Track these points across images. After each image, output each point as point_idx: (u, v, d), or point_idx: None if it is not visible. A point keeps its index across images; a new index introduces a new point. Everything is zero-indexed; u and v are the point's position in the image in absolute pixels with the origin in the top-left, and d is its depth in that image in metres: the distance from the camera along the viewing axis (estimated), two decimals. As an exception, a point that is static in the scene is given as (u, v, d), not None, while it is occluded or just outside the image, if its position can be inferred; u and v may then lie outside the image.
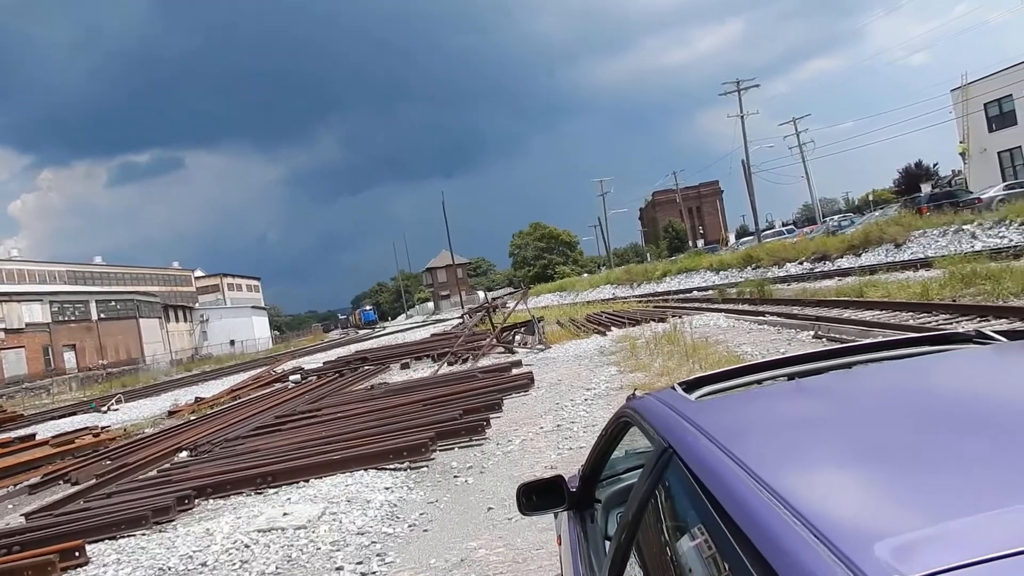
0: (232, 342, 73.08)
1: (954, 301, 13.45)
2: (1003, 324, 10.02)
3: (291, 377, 23.42)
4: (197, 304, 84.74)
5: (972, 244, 21.88)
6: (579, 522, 2.85)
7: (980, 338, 2.03)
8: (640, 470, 2.00)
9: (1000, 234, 21.90)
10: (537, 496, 2.90)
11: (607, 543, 2.37)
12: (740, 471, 1.25)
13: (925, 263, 20.51)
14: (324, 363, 25.80)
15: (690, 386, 2.15)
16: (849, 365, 2.11)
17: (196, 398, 23.47)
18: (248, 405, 17.74)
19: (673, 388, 2.17)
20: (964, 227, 23.72)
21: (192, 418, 17.83)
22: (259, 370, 31.82)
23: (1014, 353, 1.84)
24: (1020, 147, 39.30)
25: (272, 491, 8.07)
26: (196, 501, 8.14)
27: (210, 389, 27.04)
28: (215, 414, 17.35)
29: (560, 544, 3.14)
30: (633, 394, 2.76)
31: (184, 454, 12.04)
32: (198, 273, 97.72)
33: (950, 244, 22.97)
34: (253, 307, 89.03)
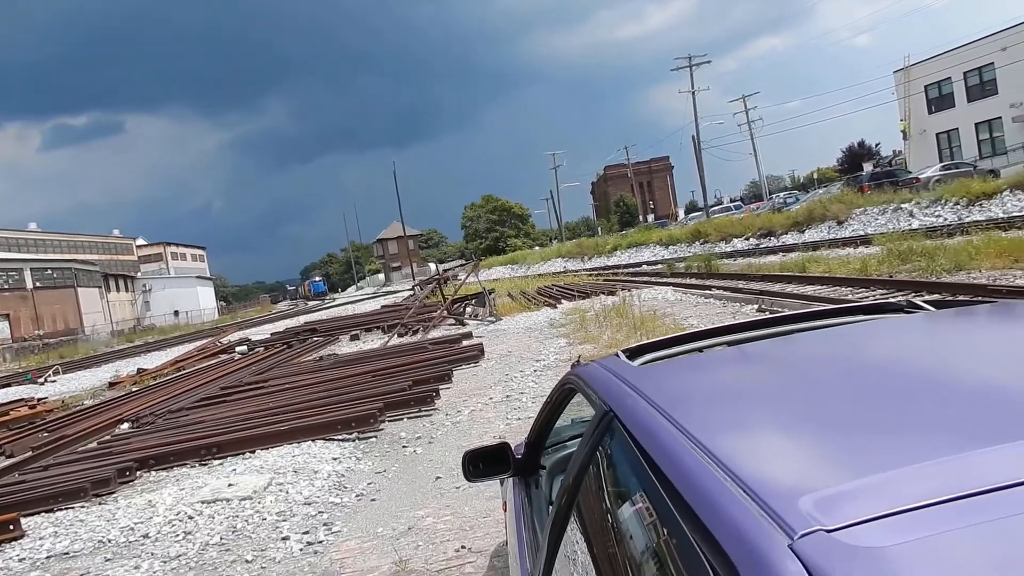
0: (176, 313, 71.37)
1: (891, 277, 13.94)
2: (934, 297, 10.42)
3: (238, 348, 23.02)
4: (139, 273, 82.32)
5: (910, 222, 22.64)
6: (524, 488, 2.89)
7: (911, 307, 2.12)
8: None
9: (936, 213, 22.69)
10: (483, 463, 2.92)
11: (550, 508, 2.41)
12: (676, 432, 1.28)
13: (865, 240, 21.14)
14: (272, 334, 25.41)
15: (633, 353, 2.19)
16: (787, 333, 2.18)
17: (138, 369, 22.90)
18: (193, 376, 17.39)
19: (617, 355, 2.21)
20: (903, 206, 24.50)
21: (134, 390, 17.41)
22: (204, 341, 31.14)
23: (940, 321, 1.92)
24: (957, 129, 40.65)
25: (217, 462, 7.96)
26: (138, 473, 7.98)
27: (153, 360, 26.39)
28: (158, 385, 16.96)
29: (506, 510, 3.18)
30: (578, 361, 2.79)
31: (125, 426, 11.76)
32: (140, 241, 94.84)
33: (889, 222, 23.71)
34: (198, 277, 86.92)
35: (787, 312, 2.49)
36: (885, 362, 1.57)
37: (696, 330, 2.43)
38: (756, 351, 1.96)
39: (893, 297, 11.27)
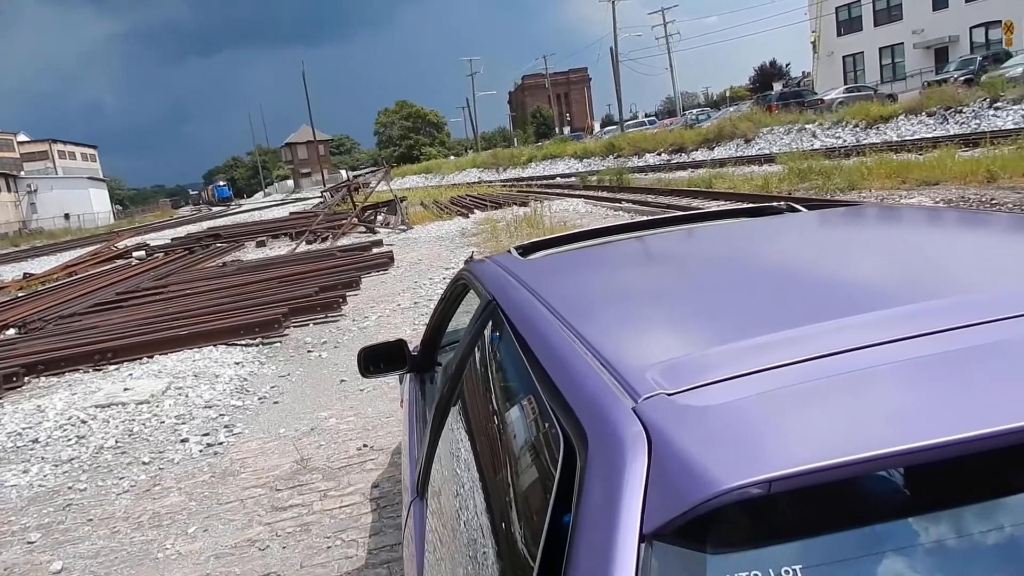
0: (67, 216, 67.02)
1: (789, 194, 14.53)
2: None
3: (135, 254, 21.96)
4: (23, 173, 76.32)
5: (812, 143, 23.45)
6: (420, 384, 2.94)
7: (789, 209, 2.23)
8: None
9: (836, 135, 23.57)
10: (380, 359, 2.94)
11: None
12: (549, 316, 1.32)
13: (769, 159, 21.82)
14: (172, 240, 24.33)
15: (525, 250, 2.22)
16: (673, 231, 2.26)
17: (25, 274, 21.56)
18: (86, 281, 16.54)
19: (509, 251, 2.23)
20: (807, 126, 25.30)
21: (20, 295, 16.44)
22: (98, 246, 29.51)
23: (810, 219, 2.04)
24: (863, 52, 41.83)
25: (112, 368, 7.71)
26: (26, 379, 7.65)
27: (42, 265, 24.87)
28: (48, 290, 16.07)
29: (403, 407, 3.24)
30: (471, 256, 2.80)
31: (11, 331, 11.16)
32: (22, 137, 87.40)
33: (793, 142, 24.49)
34: (90, 178, 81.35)
35: (677, 214, 2.57)
36: (749, 255, 1.66)
37: (588, 229, 2.48)
38: (636, 246, 2.02)
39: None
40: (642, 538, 0.76)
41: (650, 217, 2.73)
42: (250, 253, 18.60)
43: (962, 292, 1.11)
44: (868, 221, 1.94)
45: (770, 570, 0.73)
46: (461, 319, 2.78)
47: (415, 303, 9.01)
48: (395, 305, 9.11)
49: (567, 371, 1.09)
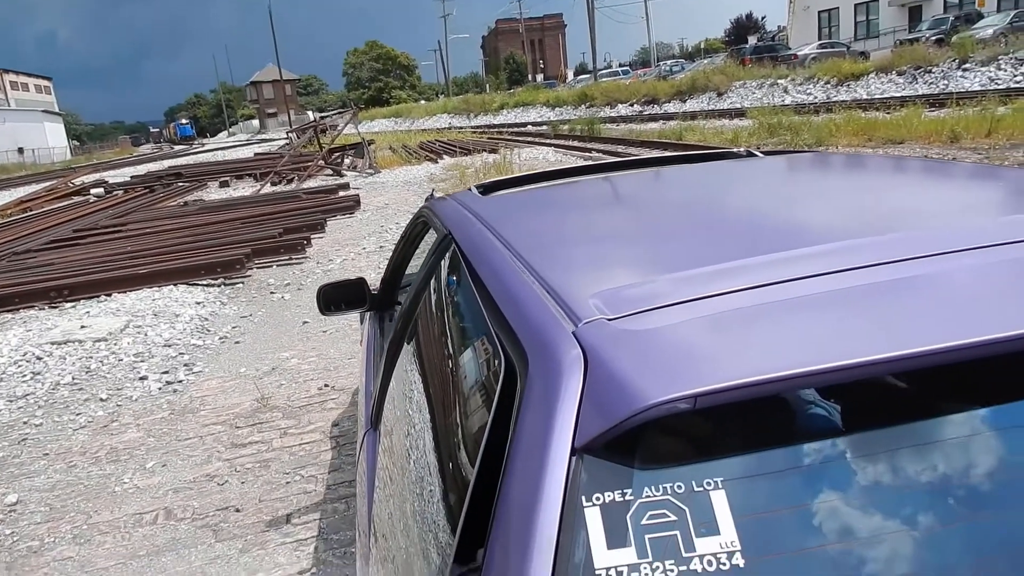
0: (21, 150, 64.69)
1: (758, 148, 14.59)
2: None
3: (93, 191, 21.36)
4: (-28, 103, 73.24)
5: (783, 98, 23.49)
6: (379, 323, 2.94)
7: (748, 154, 2.26)
8: None
9: (808, 91, 23.62)
10: (340, 298, 2.94)
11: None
12: (502, 248, 1.33)
13: (740, 112, 21.83)
14: (132, 177, 23.69)
15: (487, 188, 2.22)
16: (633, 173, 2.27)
17: (-23, 209, 20.88)
18: (42, 218, 16.08)
19: (470, 189, 2.23)
20: (779, 81, 25.30)
21: (-28, 230, 15.93)
22: (55, 182, 28.61)
23: (764, 163, 2.07)
24: (838, 8, 41.65)
25: (69, 305, 7.57)
26: (-22, 314, 7.48)
27: (-6, 200, 24.09)
28: (1, 226, 15.61)
29: (363, 346, 3.25)
30: (431, 194, 2.79)
31: (-37, 267, 10.85)
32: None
33: (765, 96, 24.51)
34: (45, 112, 78.36)
35: (640, 156, 2.58)
36: (701, 194, 1.68)
37: (550, 170, 2.48)
38: (595, 186, 2.03)
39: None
40: (573, 452, 0.78)
41: (612, 160, 2.74)
42: (213, 193, 18.21)
43: (888, 231, 1.14)
44: (819, 166, 1.98)
45: (693, 482, 0.76)
46: (422, 259, 2.78)
47: (381, 247, 8.95)
48: (360, 249, 9.04)
49: (514, 299, 1.10)
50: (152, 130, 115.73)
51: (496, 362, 1.03)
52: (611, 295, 0.99)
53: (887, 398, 0.81)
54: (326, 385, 4.73)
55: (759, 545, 0.73)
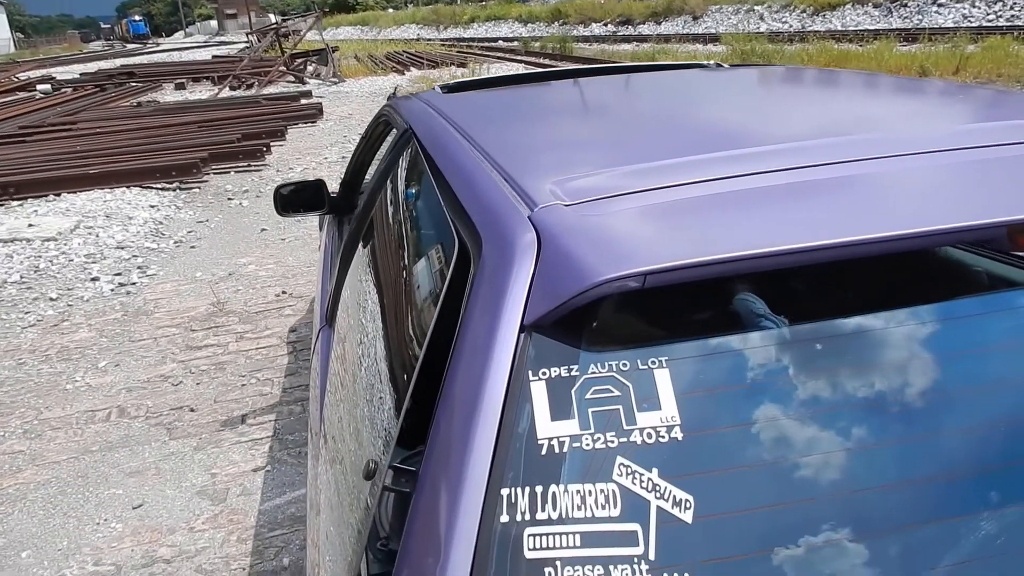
0: (-40, 41, 60.89)
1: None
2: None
3: (40, 87, 20.30)
4: (-95, -14, 68.16)
5: (758, 25, 23.14)
6: (338, 226, 2.90)
7: (717, 67, 2.23)
8: None
9: (783, 19, 23.28)
10: (298, 200, 2.88)
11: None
12: (461, 139, 1.31)
13: (715, 38, 21.48)
14: (82, 75, 22.56)
15: (451, 88, 2.16)
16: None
17: (-86, 100, 19.74)
18: (-16, 113, 15.29)
19: (434, 88, 2.17)
20: (755, 8, 24.85)
21: (-91, 122, 15.09)
22: (-2, 76, 27.09)
23: (729, 73, 2.06)
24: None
25: (16, 203, 7.30)
26: (-82, 209, 7.17)
27: (-67, 92, 22.77)
28: (-60, 120, 14.81)
29: (321, 251, 3.20)
30: (394, 93, 2.71)
31: (-100, 160, 10.33)
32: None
33: (740, 22, 24.10)
34: (-15, 0, 73.43)
35: (610, 64, 2.53)
36: (663, 97, 1.67)
37: (516, 74, 2.42)
38: (559, 87, 2.00)
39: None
40: (522, 328, 0.79)
41: (579, 66, 2.68)
42: (168, 95, 17.47)
43: (839, 135, 1.16)
44: (783, 78, 1.98)
45: (638, 361, 0.77)
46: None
47: (343, 157, 8.75)
48: (322, 158, 8.83)
49: (471, 186, 1.09)
50: (103, 26, 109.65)
51: (450, 248, 1.02)
52: (568, 183, 0.99)
53: (825, 287, 0.83)
54: (284, 292, 4.69)
55: (698, 422, 0.75)
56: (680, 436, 0.73)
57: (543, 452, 0.72)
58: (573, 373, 0.76)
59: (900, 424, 0.78)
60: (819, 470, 0.75)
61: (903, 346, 0.82)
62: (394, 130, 1.97)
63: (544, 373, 0.76)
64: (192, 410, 3.36)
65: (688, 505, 0.70)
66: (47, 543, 2.55)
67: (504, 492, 0.71)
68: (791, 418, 0.76)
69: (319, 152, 9.21)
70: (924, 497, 0.78)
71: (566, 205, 0.92)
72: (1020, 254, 0.86)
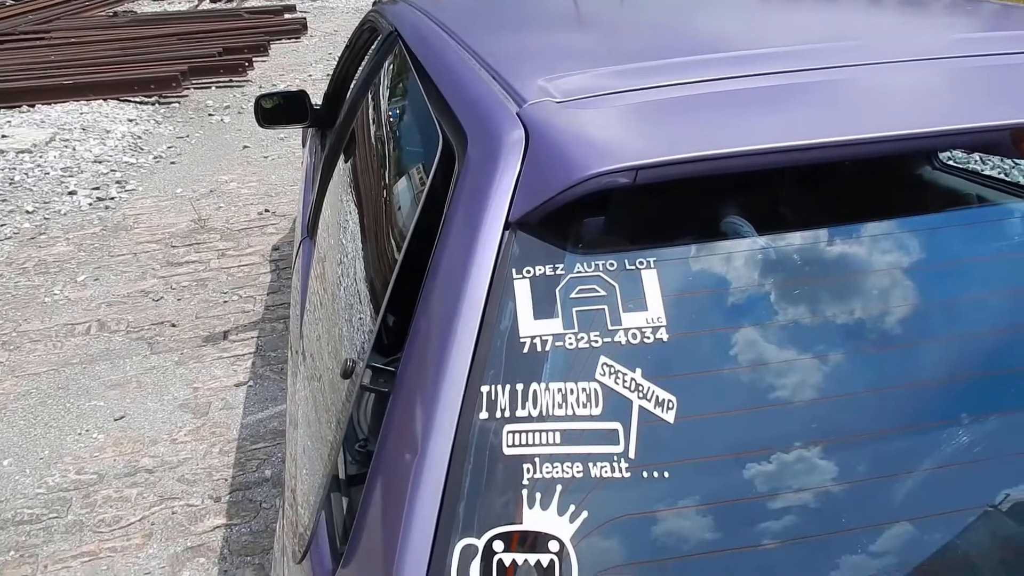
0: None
1: None
2: None
3: (10, -7, 19.42)
4: None
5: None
6: (320, 140, 2.83)
7: None
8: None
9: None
10: (280, 111, 2.79)
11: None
12: (447, 38, 1.25)
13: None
14: (54, -18, 21.56)
15: None
16: None
17: None
18: (-48, 19, 14.65)
19: None
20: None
21: None
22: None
23: None
24: None
25: (-12, 114, 7.07)
26: None
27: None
28: (-94, 25, 14.19)
29: (304, 164, 3.13)
30: (378, -2, 2.60)
31: None
32: None
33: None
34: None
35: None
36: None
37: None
38: None
39: None
40: (507, 225, 0.76)
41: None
42: (145, 5, 16.79)
43: (835, 40, 1.11)
44: None
45: (625, 260, 0.74)
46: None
47: (327, 75, 8.48)
48: (306, 75, 8.58)
49: (457, 84, 1.04)
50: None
51: (433, 148, 0.98)
52: (559, 80, 0.94)
53: (819, 192, 0.81)
54: (266, 210, 4.61)
55: (684, 323, 0.73)
56: (665, 337, 0.71)
57: (525, 350, 0.70)
58: (558, 272, 0.73)
59: (883, 332, 0.77)
60: (802, 376, 0.74)
61: (890, 255, 0.80)
62: (379, 36, 1.89)
63: (528, 271, 0.73)
64: (173, 325, 3.34)
65: (671, 406, 0.69)
66: (28, 452, 2.56)
67: (484, 389, 0.69)
68: (777, 323, 0.75)
69: (303, 69, 8.94)
70: (902, 404, 0.77)
71: (556, 102, 0.88)
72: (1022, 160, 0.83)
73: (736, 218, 0.82)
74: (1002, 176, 2.99)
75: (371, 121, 1.56)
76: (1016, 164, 3.57)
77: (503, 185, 0.77)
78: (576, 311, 0.72)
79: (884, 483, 0.73)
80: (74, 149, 5.89)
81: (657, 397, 0.69)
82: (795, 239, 0.80)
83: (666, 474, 0.67)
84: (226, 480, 2.40)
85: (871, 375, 0.77)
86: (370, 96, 1.61)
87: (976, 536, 0.74)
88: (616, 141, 0.77)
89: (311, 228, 1.85)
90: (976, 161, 3.67)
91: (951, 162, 1.72)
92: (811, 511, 0.70)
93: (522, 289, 0.73)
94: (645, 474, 0.67)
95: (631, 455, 0.67)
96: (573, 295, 0.73)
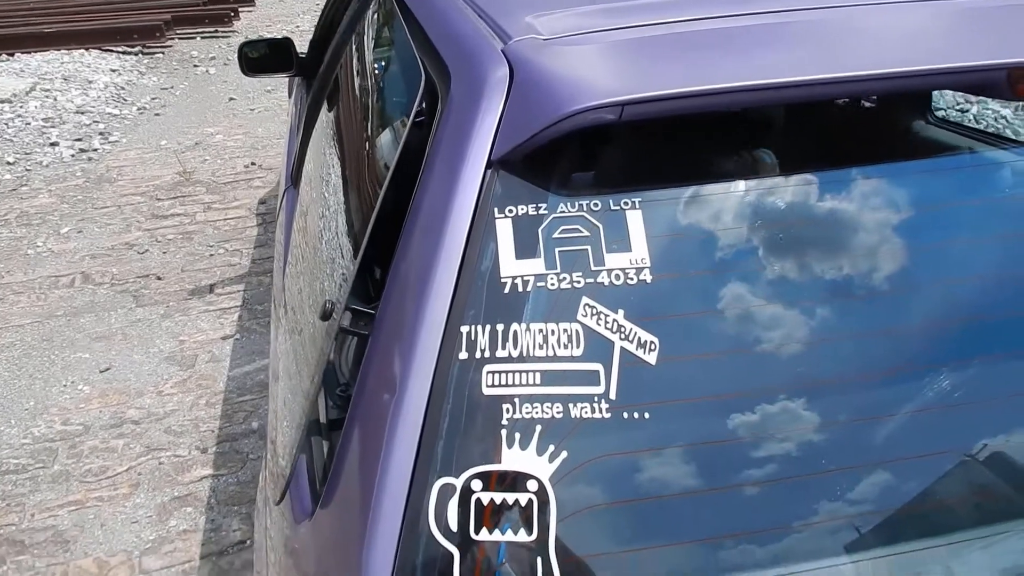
0: None
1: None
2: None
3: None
4: None
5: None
6: (307, 89, 2.77)
7: None
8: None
9: None
10: (265, 59, 2.73)
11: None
12: None
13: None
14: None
15: None
16: None
17: None
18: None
19: None
20: None
21: None
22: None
23: None
24: None
25: (-34, 62, 6.89)
26: None
27: None
28: None
29: (290, 115, 3.07)
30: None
31: None
32: None
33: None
34: None
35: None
36: None
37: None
38: None
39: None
40: (489, 164, 0.74)
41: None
42: (128, -47, 16.32)
43: None
44: None
45: (610, 201, 0.73)
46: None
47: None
48: (294, 27, 8.39)
49: (441, 20, 1.00)
50: None
51: (416, 88, 0.95)
52: (546, 18, 0.91)
53: (807, 134, 0.79)
54: (252, 163, 4.55)
55: (668, 265, 0.72)
56: (649, 279, 0.70)
57: (506, 290, 0.69)
58: (541, 211, 0.72)
59: (868, 278, 0.76)
60: (786, 320, 0.73)
61: (878, 202, 0.79)
62: None
63: (511, 211, 0.72)
64: (159, 278, 3.30)
65: (653, 347, 0.68)
66: (13, 403, 2.55)
67: (464, 330, 0.68)
68: (762, 267, 0.74)
69: (291, 19, 8.75)
70: (886, 350, 0.77)
71: (543, 39, 0.85)
72: (1019, 102, 0.82)
73: (725, 158, 0.81)
74: (995, 132, 2.97)
75: (354, 64, 1.51)
76: (1002, 109, 3.55)
77: (486, 123, 0.75)
78: (559, 251, 0.70)
79: (865, 426, 0.72)
80: (55, 99, 5.76)
81: (639, 338, 0.68)
82: (783, 183, 0.78)
83: (647, 415, 0.66)
84: (213, 431, 2.40)
85: (855, 320, 0.77)
86: (354, 39, 1.56)
87: (953, 480, 0.74)
88: (602, 77, 0.75)
89: (295, 177, 1.82)
90: (970, 119, 3.65)
91: (945, 116, 1.70)
92: (792, 454, 0.70)
93: (504, 229, 0.71)
94: (626, 415, 0.66)
95: (612, 396, 0.66)
96: (556, 235, 0.71)
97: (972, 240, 0.84)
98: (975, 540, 0.73)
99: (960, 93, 4.17)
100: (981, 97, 4.24)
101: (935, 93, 1.98)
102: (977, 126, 3.59)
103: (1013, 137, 2.77)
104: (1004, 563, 0.72)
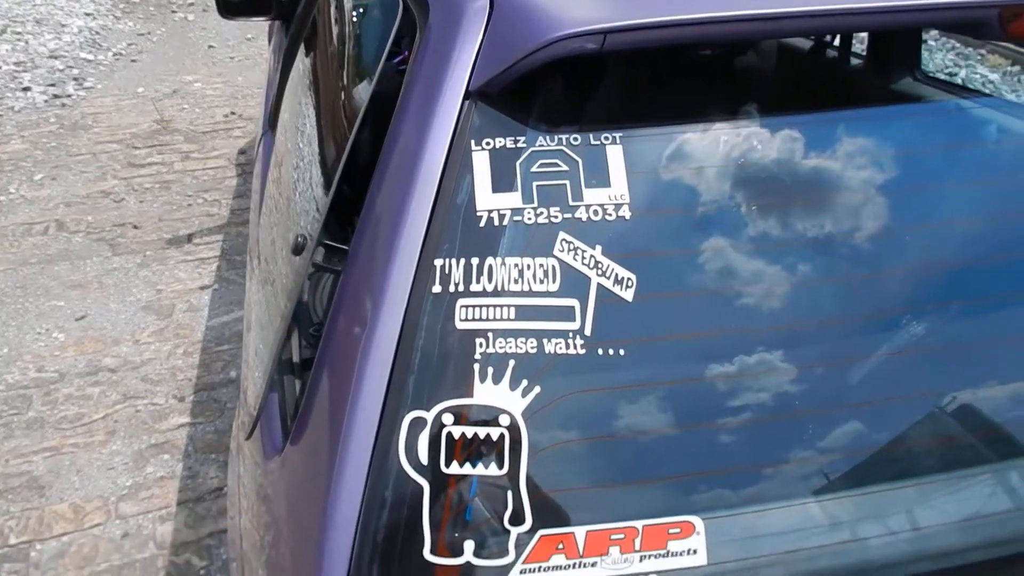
0: None
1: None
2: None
3: None
4: None
5: None
6: (286, 34, 2.69)
7: None
8: None
9: None
10: (243, 2, 2.64)
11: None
12: None
13: None
14: None
15: None
16: None
17: None
18: None
19: None
20: None
21: None
22: None
23: None
24: None
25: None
26: None
27: None
28: None
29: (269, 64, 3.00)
30: None
31: None
32: None
33: None
34: None
35: None
36: None
37: None
38: None
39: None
40: (467, 95, 0.71)
41: None
42: None
43: None
44: None
45: (591, 136, 0.71)
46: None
47: (298, -26, 8.10)
48: (275, -26, 8.16)
49: None
50: None
51: (392, 21, 0.92)
52: None
53: (794, 71, 0.77)
54: (232, 112, 4.45)
55: (648, 202, 0.71)
56: (628, 215, 0.69)
57: (481, 224, 0.67)
58: (519, 144, 0.70)
59: (847, 223, 0.75)
60: (764, 261, 0.72)
61: (859, 151, 0.78)
62: None
63: (488, 143, 0.70)
64: (136, 227, 3.25)
65: (630, 284, 0.67)
66: (-13, 349, 2.51)
67: (438, 263, 0.66)
68: (741, 207, 0.72)
69: (272, -33, 8.50)
70: (863, 294, 0.76)
71: None
72: (1010, 45, 0.80)
73: (710, 98, 0.79)
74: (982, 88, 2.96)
75: (332, 13, 1.47)
76: (990, 74, 3.54)
77: (464, 53, 0.73)
78: (536, 185, 0.69)
79: (840, 370, 0.72)
80: (27, 43, 5.59)
81: (616, 275, 0.67)
82: (767, 126, 0.77)
83: (621, 352, 0.66)
84: (190, 380, 2.39)
85: (833, 265, 0.76)
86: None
87: (923, 426, 0.74)
88: (584, 5, 0.72)
89: (272, 121, 1.78)
90: (960, 79, 3.64)
91: (934, 74, 1.69)
92: (765, 395, 0.69)
93: (481, 161, 0.69)
94: (600, 352, 0.65)
95: (587, 332, 0.66)
96: (534, 169, 0.69)
97: (949, 190, 0.83)
98: (941, 484, 0.74)
99: (949, 55, 4.15)
100: (969, 61, 4.22)
101: (924, 55, 1.97)
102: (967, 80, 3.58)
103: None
104: (968, 509, 0.73)
